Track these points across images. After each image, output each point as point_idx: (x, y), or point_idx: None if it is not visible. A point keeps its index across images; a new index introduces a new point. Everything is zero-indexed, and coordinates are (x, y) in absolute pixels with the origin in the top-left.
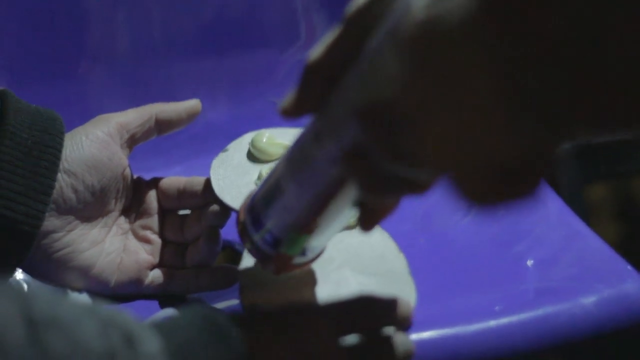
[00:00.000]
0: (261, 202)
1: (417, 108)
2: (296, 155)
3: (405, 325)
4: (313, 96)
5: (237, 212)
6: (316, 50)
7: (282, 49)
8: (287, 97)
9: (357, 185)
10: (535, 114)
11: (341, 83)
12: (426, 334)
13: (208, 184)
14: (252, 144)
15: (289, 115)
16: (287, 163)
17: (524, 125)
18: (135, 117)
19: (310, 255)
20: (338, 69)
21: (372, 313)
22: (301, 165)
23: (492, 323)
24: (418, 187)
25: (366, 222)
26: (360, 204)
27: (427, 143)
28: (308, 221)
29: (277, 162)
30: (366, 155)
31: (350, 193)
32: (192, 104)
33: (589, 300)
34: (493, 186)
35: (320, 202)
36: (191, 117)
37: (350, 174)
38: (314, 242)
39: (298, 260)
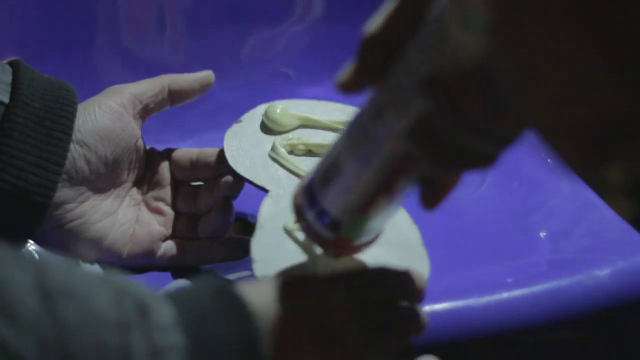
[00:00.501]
0: (319, 183)
1: (505, 69)
2: (356, 133)
3: (418, 297)
4: (372, 69)
5: (250, 182)
6: (374, 21)
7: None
8: (345, 70)
9: (424, 160)
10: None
11: (404, 54)
12: (439, 306)
13: (221, 155)
14: (266, 115)
15: (347, 90)
16: (346, 141)
17: (625, 78)
18: (148, 87)
19: (370, 236)
20: (398, 40)
21: (385, 284)
22: (362, 142)
23: (505, 295)
24: (484, 160)
25: (430, 200)
26: (423, 181)
27: (517, 106)
28: (370, 201)
29: (334, 141)
30: (433, 128)
31: (414, 169)
32: (205, 74)
33: (602, 273)
34: (589, 150)
35: (383, 180)
36: (204, 87)
37: (417, 149)
38: (375, 223)
39: (358, 242)
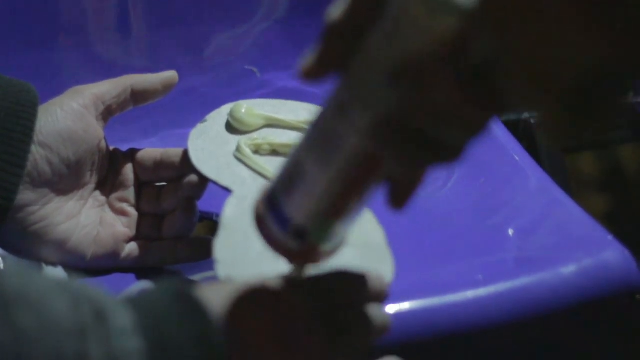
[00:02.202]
0: (280, 189)
1: (486, 39)
2: (319, 132)
3: (380, 299)
4: (335, 57)
5: (215, 183)
6: (336, 7)
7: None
8: (307, 57)
9: (390, 156)
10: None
11: (366, 43)
12: (404, 305)
13: (185, 155)
14: (231, 114)
15: (309, 77)
16: (308, 142)
17: (607, 31)
18: (110, 88)
19: (337, 241)
20: (362, 28)
21: (346, 286)
22: (325, 142)
23: (471, 294)
24: (452, 153)
25: (398, 199)
26: (389, 180)
27: (499, 78)
28: (337, 204)
29: (295, 144)
30: (400, 121)
31: (380, 167)
32: (169, 75)
33: (568, 270)
34: (572, 109)
35: (348, 181)
36: (167, 88)
37: (383, 145)
38: (342, 226)
39: (325, 248)
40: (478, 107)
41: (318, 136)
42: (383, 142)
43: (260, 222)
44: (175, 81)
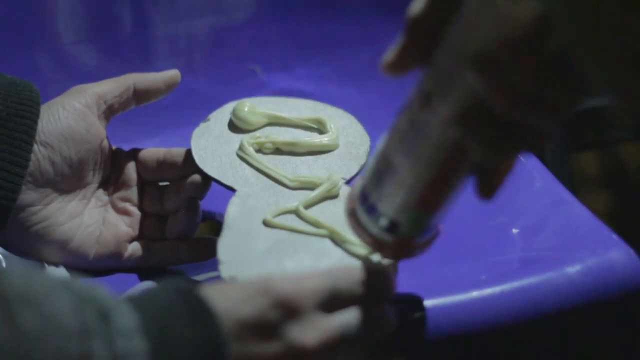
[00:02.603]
0: (371, 183)
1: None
2: (405, 124)
3: (388, 297)
4: (418, 50)
5: (218, 182)
6: (417, 2)
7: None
8: (390, 51)
9: (477, 145)
10: None
11: (448, 34)
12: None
13: (188, 154)
14: (234, 113)
15: (392, 71)
16: (395, 135)
17: None
18: (112, 87)
19: (430, 233)
20: (443, 21)
21: (354, 285)
22: (412, 134)
23: (475, 294)
24: (537, 139)
25: (487, 189)
26: (478, 169)
27: (581, 63)
28: (427, 195)
29: (383, 137)
30: (484, 109)
31: (468, 157)
32: (171, 74)
33: (573, 270)
34: None
35: (437, 172)
36: (170, 87)
37: (469, 134)
38: (434, 218)
39: (418, 241)
40: (559, 92)
41: (404, 128)
42: (468, 130)
43: (353, 218)
44: (178, 80)
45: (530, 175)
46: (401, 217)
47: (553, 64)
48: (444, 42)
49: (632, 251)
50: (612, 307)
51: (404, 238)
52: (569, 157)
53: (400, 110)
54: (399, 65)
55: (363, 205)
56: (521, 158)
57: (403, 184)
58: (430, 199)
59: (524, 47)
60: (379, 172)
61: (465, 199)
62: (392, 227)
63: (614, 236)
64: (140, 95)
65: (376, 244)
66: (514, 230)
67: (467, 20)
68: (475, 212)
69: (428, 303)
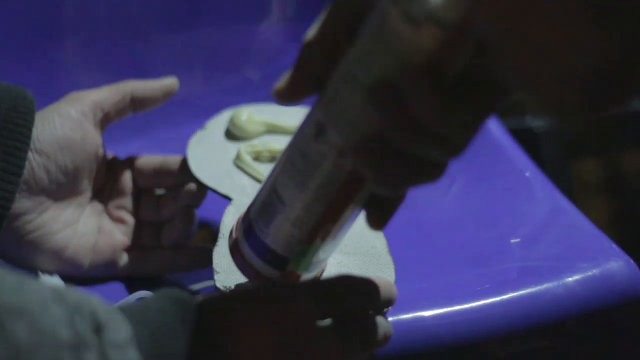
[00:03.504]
0: (257, 216)
1: (494, 39)
2: (295, 156)
3: (386, 306)
4: (311, 77)
5: (214, 191)
6: (313, 27)
7: (257, 24)
8: (283, 78)
9: (372, 177)
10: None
11: (342, 61)
12: (406, 315)
13: (185, 163)
14: (231, 121)
15: (284, 99)
16: (285, 166)
17: (615, 26)
18: (109, 95)
19: (318, 268)
20: (337, 46)
21: (351, 294)
22: (303, 165)
23: (474, 304)
24: (433, 171)
25: (379, 220)
26: (371, 201)
27: (512, 65)
28: (317, 230)
29: (271, 170)
30: (381, 139)
31: (361, 189)
32: (169, 82)
33: (573, 279)
34: (585, 99)
35: (330, 205)
36: (167, 95)
37: (366, 166)
38: (323, 253)
39: (306, 276)
40: (458, 122)
41: (294, 159)
42: (364, 162)
43: (236, 250)
44: (176, 88)
45: (530, 184)
46: (289, 251)
47: (453, 93)
48: (338, 69)
49: (631, 261)
50: (611, 317)
51: (291, 274)
52: (568, 164)
53: (290, 140)
54: (291, 93)
55: (248, 238)
56: (519, 165)
57: (292, 217)
58: (320, 234)
59: (423, 75)
60: (267, 204)
61: (464, 209)
62: (279, 262)
63: (614, 246)
64: (137, 103)
65: (260, 280)
66: (513, 240)
67: (363, 46)
68: (474, 222)
69: (427, 312)
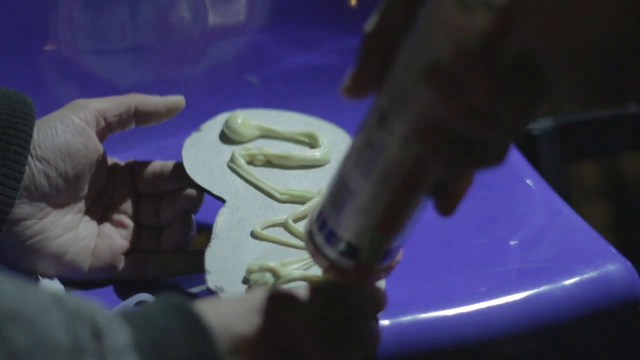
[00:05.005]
0: (328, 207)
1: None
2: (361, 146)
3: (378, 311)
4: (373, 70)
5: (208, 192)
6: (370, 20)
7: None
8: (347, 76)
9: (438, 162)
10: None
11: (401, 50)
12: (405, 318)
13: (181, 166)
14: (227, 124)
15: (352, 95)
16: (352, 156)
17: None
18: (114, 105)
19: (391, 258)
20: (396, 37)
21: (346, 300)
22: (369, 154)
23: (473, 306)
24: (495, 154)
25: (447, 206)
26: (438, 187)
27: (548, 52)
28: (386, 218)
29: (340, 160)
30: (441, 124)
31: (426, 175)
32: (175, 99)
33: (570, 282)
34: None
35: (397, 193)
36: (171, 112)
37: (429, 151)
38: (394, 242)
39: (379, 266)
40: (514, 104)
41: (360, 147)
42: (427, 147)
43: (311, 242)
44: (182, 106)
45: (528, 187)
46: (360, 241)
47: (508, 75)
48: (397, 58)
49: (629, 263)
50: (609, 320)
51: (364, 263)
52: (568, 167)
53: (356, 131)
54: (358, 90)
55: (321, 229)
56: (517, 169)
57: (361, 207)
58: (390, 222)
59: (478, 59)
60: (337, 195)
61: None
62: (352, 252)
63: (611, 248)
64: (140, 117)
65: (334, 270)
66: (512, 242)
67: (420, 34)
68: (472, 224)
69: (425, 315)
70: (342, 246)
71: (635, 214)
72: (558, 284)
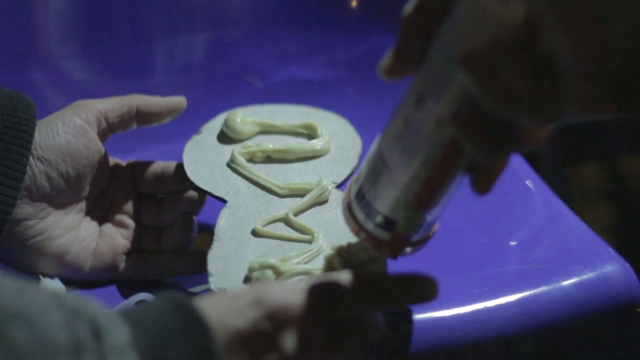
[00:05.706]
0: (367, 181)
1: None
2: (399, 124)
3: (378, 303)
4: (412, 51)
5: (209, 194)
6: (410, 2)
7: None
8: (386, 56)
9: (472, 144)
10: None
11: (439, 33)
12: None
13: (181, 168)
14: (226, 123)
15: (391, 75)
16: (390, 134)
17: None
18: (115, 106)
19: (426, 231)
20: (435, 19)
21: (346, 292)
22: (406, 133)
23: (472, 306)
24: (531, 138)
25: (483, 185)
26: (473, 166)
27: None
28: (422, 193)
29: (378, 136)
30: (476, 108)
31: (462, 155)
32: (176, 100)
33: (569, 283)
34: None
35: (432, 170)
36: (173, 113)
37: (463, 133)
38: (429, 216)
39: (415, 238)
40: (548, 93)
41: (399, 127)
42: (461, 129)
43: (350, 214)
44: (183, 107)
45: (528, 188)
46: (397, 214)
47: (543, 65)
48: (436, 41)
49: (627, 265)
50: (607, 321)
51: (400, 235)
52: (568, 169)
53: (394, 109)
54: (396, 70)
55: (360, 202)
56: (517, 170)
57: (398, 182)
58: (425, 197)
59: (514, 48)
60: (375, 170)
61: (462, 212)
62: (388, 225)
63: (610, 249)
64: (142, 118)
65: (372, 241)
66: (512, 243)
67: (458, 20)
68: (472, 225)
69: (425, 315)
70: (379, 219)
71: (635, 216)
72: (557, 285)
